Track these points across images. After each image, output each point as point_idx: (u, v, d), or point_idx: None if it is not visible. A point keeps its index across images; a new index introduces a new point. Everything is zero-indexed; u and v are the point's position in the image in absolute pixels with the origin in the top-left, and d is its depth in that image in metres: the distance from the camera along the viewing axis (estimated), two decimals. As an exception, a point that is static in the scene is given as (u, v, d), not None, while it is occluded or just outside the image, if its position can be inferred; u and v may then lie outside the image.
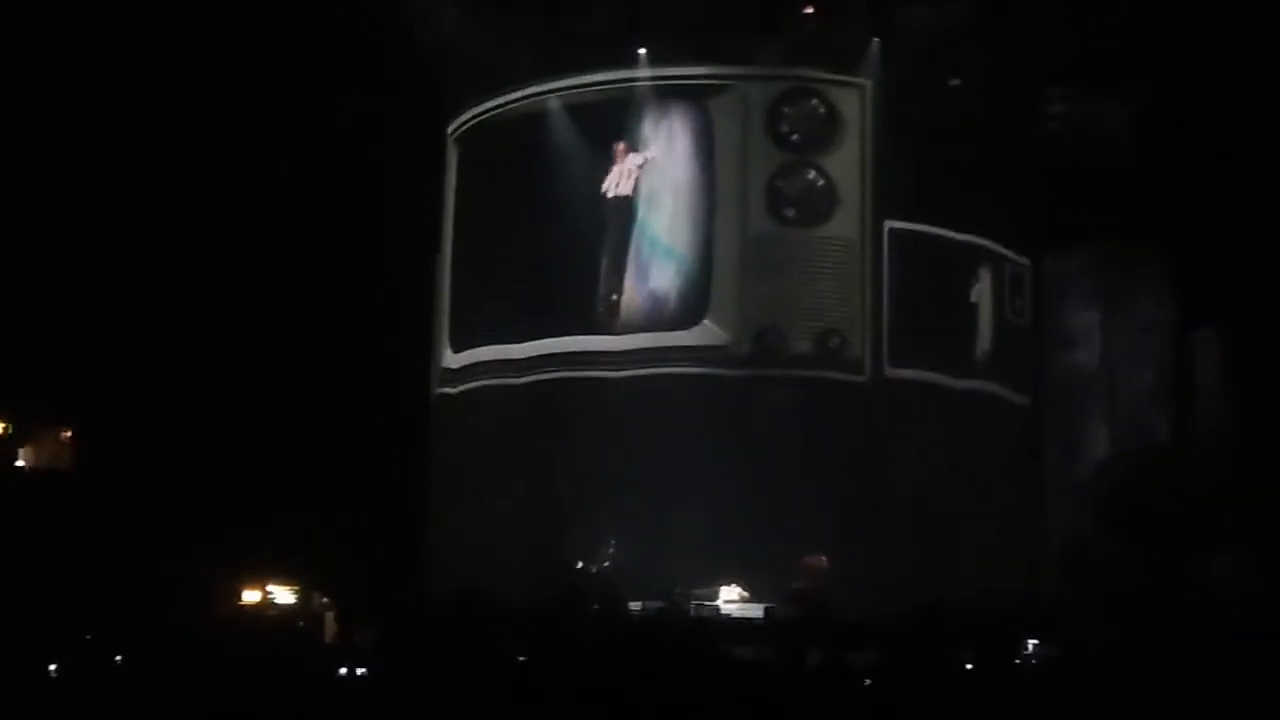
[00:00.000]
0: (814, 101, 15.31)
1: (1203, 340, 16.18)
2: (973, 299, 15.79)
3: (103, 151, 15.86)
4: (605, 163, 15.47)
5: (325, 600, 13.22)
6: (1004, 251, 15.99)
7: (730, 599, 13.30)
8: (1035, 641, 10.71)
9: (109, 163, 15.90)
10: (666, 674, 6.61)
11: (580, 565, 13.66)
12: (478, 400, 16.02)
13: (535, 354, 15.58)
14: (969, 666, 7.53)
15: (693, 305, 15.15)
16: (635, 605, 12.27)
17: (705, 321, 15.01)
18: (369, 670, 7.78)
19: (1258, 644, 7.32)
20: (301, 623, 12.42)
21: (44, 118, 15.57)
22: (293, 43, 15.50)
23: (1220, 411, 15.95)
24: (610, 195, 15.45)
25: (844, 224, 15.15)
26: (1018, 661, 9.10)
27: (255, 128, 16.06)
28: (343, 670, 7.98)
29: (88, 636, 8.11)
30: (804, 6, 15.20)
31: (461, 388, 16.22)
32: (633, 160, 15.45)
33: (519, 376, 15.66)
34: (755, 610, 13.03)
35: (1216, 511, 14.90)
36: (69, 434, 15.97)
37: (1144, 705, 6.55)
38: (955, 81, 15.45)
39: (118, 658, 7.81)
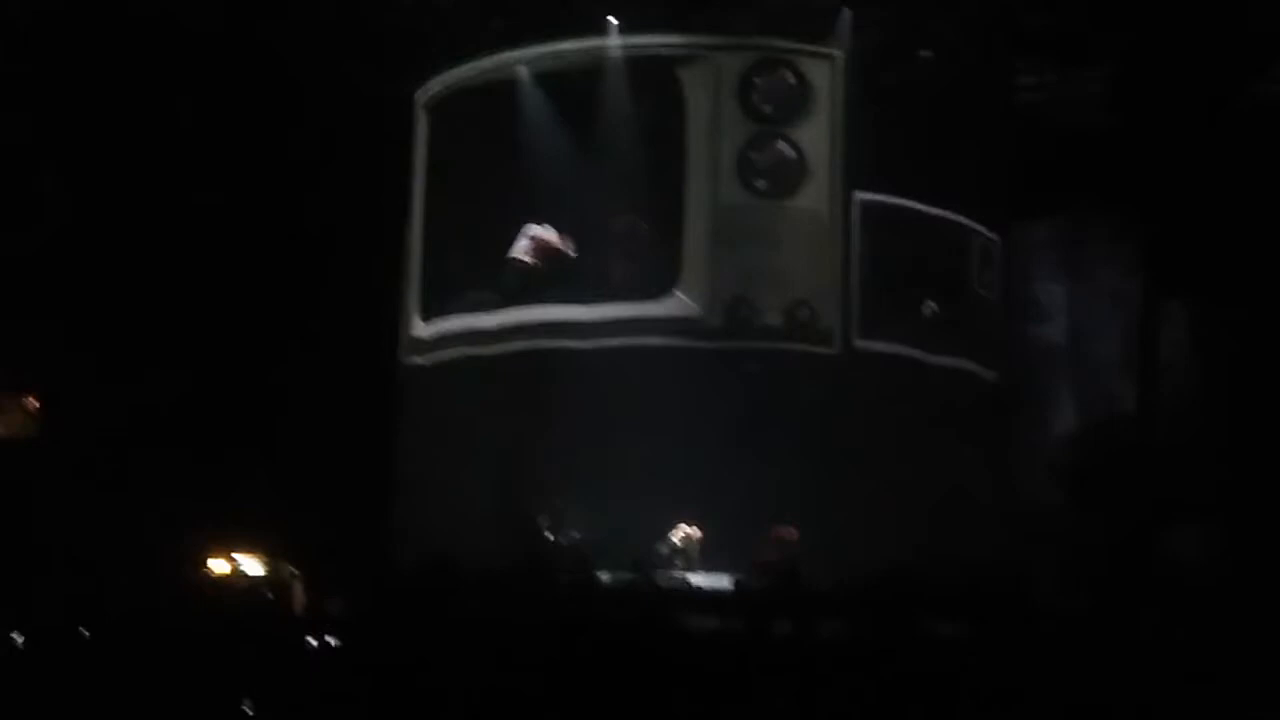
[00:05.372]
0: (785, 72, 15.25)
1: (1170, 311, 16.27)
2: (942, 272, 15.80)
3: (69, 111, 15.69)
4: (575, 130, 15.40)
5: (294, 570, 13.16)
6: (973, 224, 16.00)
7: (679, 538, 13.37)
8: (1004, 610, 10.75)
9: (75, 124, 15.74)
10: (634, 644, 6.62)
11: (550, 536, 13.66)
12: (448, 370, 15.97)
13: (505, 324, 15.54)
14: (938, 634, 7.57)
15: (663, 276, 15.12)
16: (604, 576, 12.28)
17: (676, 293, 14.99)
18: (338, 640, 7.76)
19: (1222, 611, 7.37)
20: (270, 593, 12.35)
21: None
22: (263, 8, 15.38)
23: (1186, 382, 16.06)
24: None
25: (814, 195, 15.12)
26: (987, 630, 9.13)
27: (225, 95, 15.94)
28: (312, 640, 7.95)
29: (53, 608, 8.05)
30: (776, -25, 15.17)
31: (432, 358, 16.17)
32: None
33: (489, 346, 15.63)
34: (723, 581, 13.06)
35: (1181, 480, 15.01)
36: (35, 401, 15.85)
37: (1110, 672, 6.59)
38: (926, 52, 15.44)
39: (82, 629, 7.77)
